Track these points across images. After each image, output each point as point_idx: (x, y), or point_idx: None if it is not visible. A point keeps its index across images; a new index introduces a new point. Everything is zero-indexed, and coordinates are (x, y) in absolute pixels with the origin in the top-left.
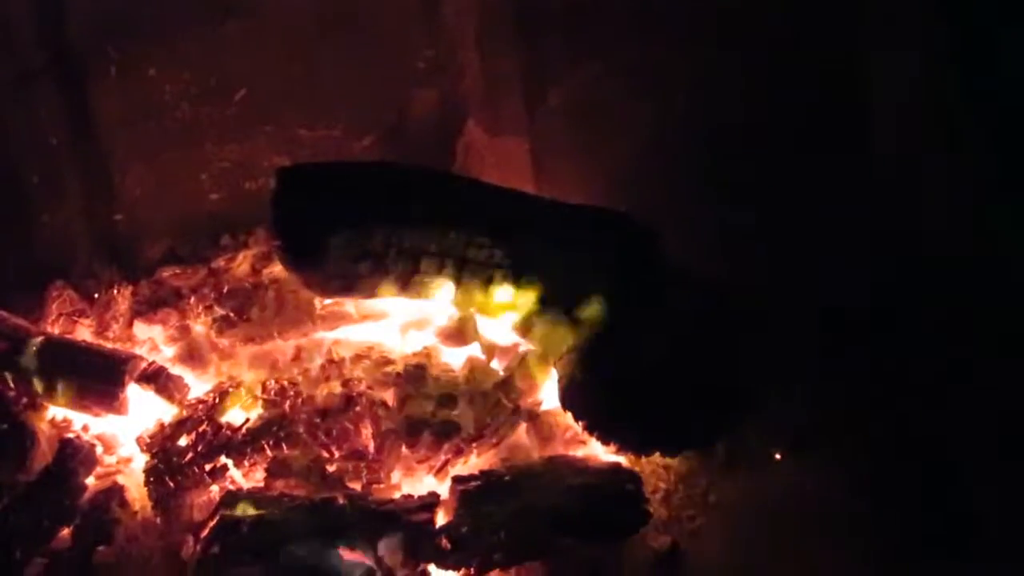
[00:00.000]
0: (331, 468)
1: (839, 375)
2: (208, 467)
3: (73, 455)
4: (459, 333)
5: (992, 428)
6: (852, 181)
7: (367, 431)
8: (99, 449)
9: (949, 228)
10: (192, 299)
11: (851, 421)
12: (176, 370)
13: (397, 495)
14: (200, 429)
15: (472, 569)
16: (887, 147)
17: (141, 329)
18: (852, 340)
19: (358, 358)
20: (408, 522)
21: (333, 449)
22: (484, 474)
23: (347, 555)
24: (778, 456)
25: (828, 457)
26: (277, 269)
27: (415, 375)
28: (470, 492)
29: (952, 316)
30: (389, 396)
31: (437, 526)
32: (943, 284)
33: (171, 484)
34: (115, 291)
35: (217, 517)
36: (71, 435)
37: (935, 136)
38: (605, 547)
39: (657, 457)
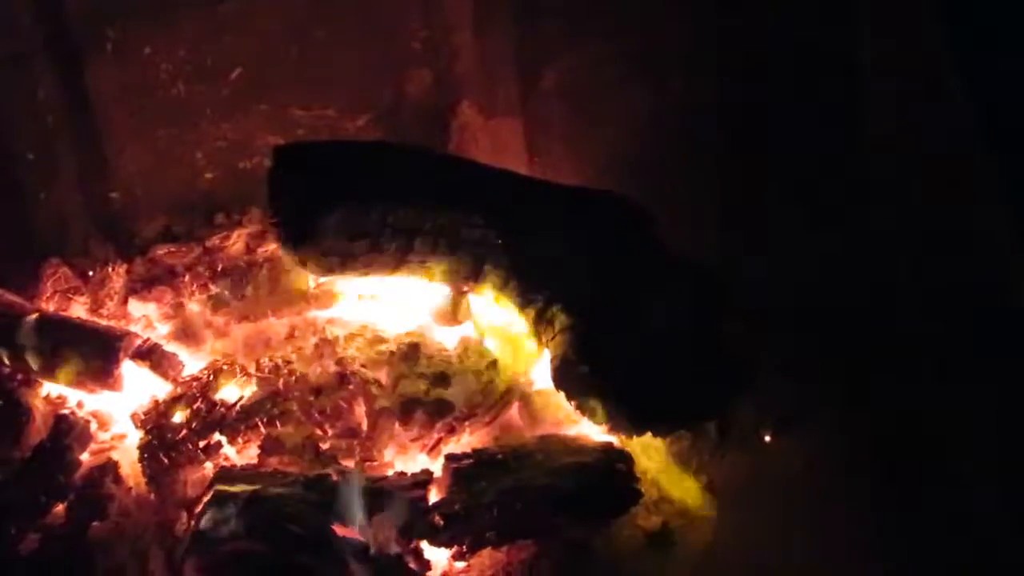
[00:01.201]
0: (324, 446)
1: (830, 355)
2: (202, 444)
3: (67, 431)
4: (452, 312)
5: (988, 410)
6: (849, 167)
7: (360, 409)
8: (93, 425)
9: (947, 220)
10: (187, 277)
11: (842, 400)
12: (170, 347)
13: (390, 472)
14: (194, 406)
15: (464, 546)
16: (886, 134)
17: (136, 307)
18: (848, 321)
19: (352, 337)
20: (401, 499)
21: (326, 427)
22: (477, 452)
23: (340, 531)
24: (768, 437)
25: (819, 437)
26: (272, 248)
27: (408, 354)
28: (463, 470)
29: (947, 305)
30: (383, 375)
31: (430, 503)
32: (940, 272)
33: (165, 460)
34: (110, 269)
35: (211, 493)
36: (66, 411)
37: (935, 126)
38: (596, 526)
39: (648, 437)
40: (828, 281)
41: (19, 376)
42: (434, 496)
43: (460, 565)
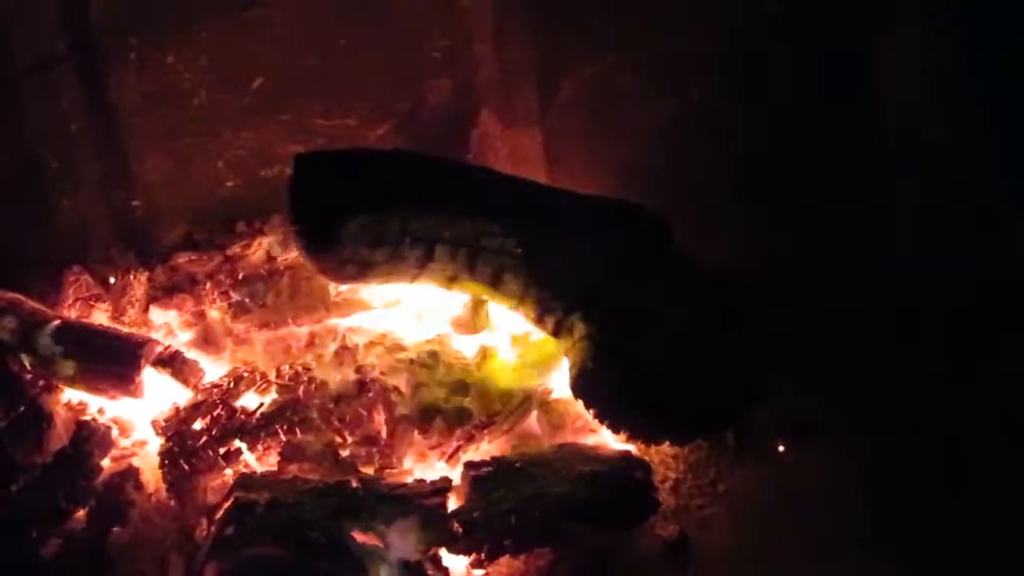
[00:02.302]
0: (344, 453)
1: (847, 364)
2: (222, 451)
3: (89, 437)
4: (471, 321)
5: (1001, 417)
6: (863, 175)
7: (380, 417)
8: (114, 432)
9: (956, 223)
10: (208, 285)
11: (860, 410)
12: (191, 354)
13: (409, 480)
14: (215, 413)
15: (483, 553)
16: (896, 142)
17: (157, 314)
18: (861, 329)
19: (372, 345)
20: (421, 506)
21: (346, 434)
22: (495, 460)
23: (360, 538)
24: (783, 447)
25: (837, 446)
26: (292, 256)
27: (428, 362)
28: (481, 478)
29: (962, 307)
30: (402, 382)
31: (449, 511)
32: (952, 276)
33: (185, 467)
34: (131, 276)
35: (231, 500)
36: (87, 418)
37: (941, 132)
38: (614, 535)
39: (667, 446)
40: (844, 289)
41: (41, 382)
42: (453, 504)
43: (479, 573)
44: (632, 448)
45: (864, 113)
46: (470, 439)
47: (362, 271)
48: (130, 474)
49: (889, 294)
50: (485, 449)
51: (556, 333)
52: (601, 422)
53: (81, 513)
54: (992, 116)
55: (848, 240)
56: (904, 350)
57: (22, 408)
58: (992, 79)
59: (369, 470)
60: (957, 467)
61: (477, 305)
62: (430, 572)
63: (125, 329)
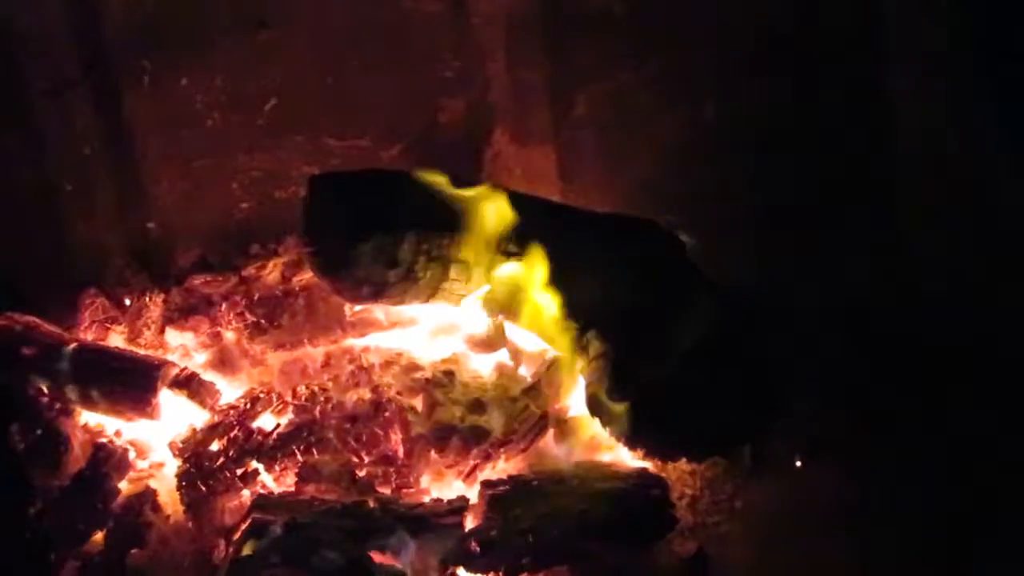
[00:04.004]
0: (361, 473)
1: (864, 380)
2: (239, 472)
3: (106, 460)
4: (487, 339)
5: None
6: (883, 190)
7: (396, 436)
8: (132, 454)
9: (977, 230)
10: (223, 306)
11: (876, 426)
12: (207, 376)
13: (426, 499)
14: (231, 434)
15: (500, 572)
16: (912, 150)
17: (173, 336)
18: (878, 346)
19: (387, 364)
20: (438, 525)
21: (363, 454)
22: (512, 479)
23: (378, 558)
24: (799, 463)
25: (854, 463)
26: (307, 276)
27: (444, 381)
28: (498, 496)
29: (979, 320)
30: (418, 402)
31: (466, 529)
32: (974, 284)
33: (203, 488)
34: (147, 298)
35: (249, 521)
36: (104, 440)
37: (960, 136)
38: (631, 552)
39: (683, 463)
40: (861, 305)
41: (58, 405)
42: (470, 522)
43: None
44: (649, 465)
45: (882, 127)
46: (487, 458)
47: (378, 291)
48: (147, 496)
49: (907, 309)
50: (502, 467)
51: (572, 350)
52: (618, 439)
53: (99, 535)
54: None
55: (866, 256)
56: (923, 366)
57: (39, 431)
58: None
59: (386, 490)
60: (976, 486)
61: (493, 323)
62: None
63: (141, 351)
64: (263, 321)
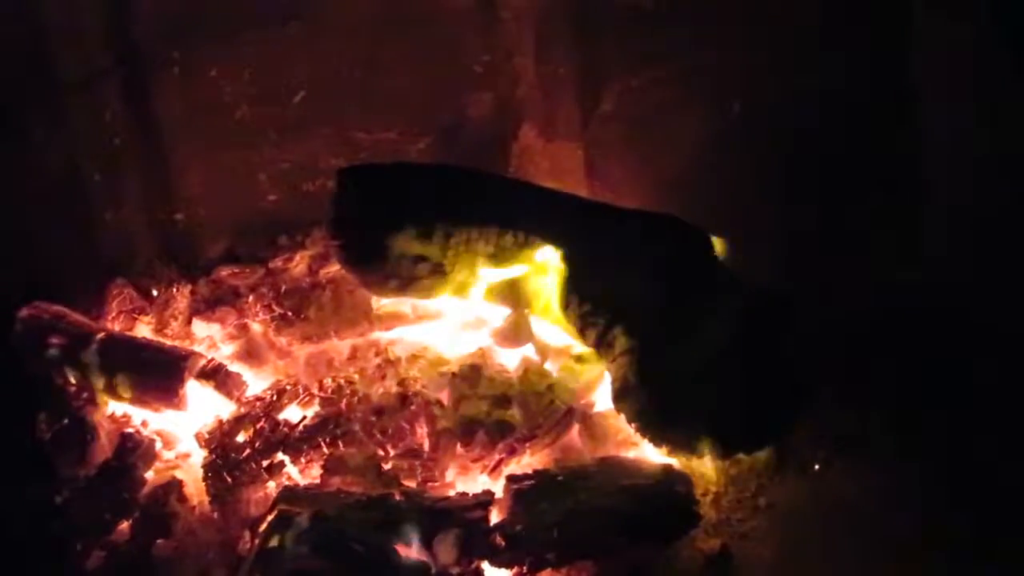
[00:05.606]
0: (387, 466)
1: (890, 380)
2: (265, 463)
3: (133, 450)
4: (514, 334)
5: None
6: (909, 185)
7: (422, 430)
8: (158, 444)
9: (1001, 228)
10: (250, 298)
11: (901, 425)
12: (234, 367)
13: (452, 493)
14: (258, 426)
15: (525, 567)
16: (939, 149)
17: (200, 327)
18: (904, 345)
19: (414, 358)
20: (463, 519)
21: (388, 447)
22: (537, 473)
23: (403, 551)
24: (822, 462)
25: (878, 459)
26: (334, 269)
27: (470, 375)
28: (524, 491)
29: (1008, 322)
30: (444, 396)
31: (491, 524)
32: (1000, 285)
33: (229, 479)
34: (174, 289)
35: (274, 512)
36: (131, 430)
37: (986, 136)
38: (655, 548)
39: (708, 460)
40: (888, 300)
41: (85, 395)
42: (495, 517)
43: None
44: (673, 461)
45: (910, 121)
46: (512, 452)
47: (404, 285)
48: (174, 486)
49: (934, 309)
50: (527, 462)
51: (598, 346)
52: (642, 436)
53: (125, 525)
54: None
55: (892, 255)
56: (949, 362)
57: (66, 421)
58: None
59: (411, 483)
60: (1002, 486)
61: (519, 318)
62: None
63: (169, 342)
64: (290, 313)
